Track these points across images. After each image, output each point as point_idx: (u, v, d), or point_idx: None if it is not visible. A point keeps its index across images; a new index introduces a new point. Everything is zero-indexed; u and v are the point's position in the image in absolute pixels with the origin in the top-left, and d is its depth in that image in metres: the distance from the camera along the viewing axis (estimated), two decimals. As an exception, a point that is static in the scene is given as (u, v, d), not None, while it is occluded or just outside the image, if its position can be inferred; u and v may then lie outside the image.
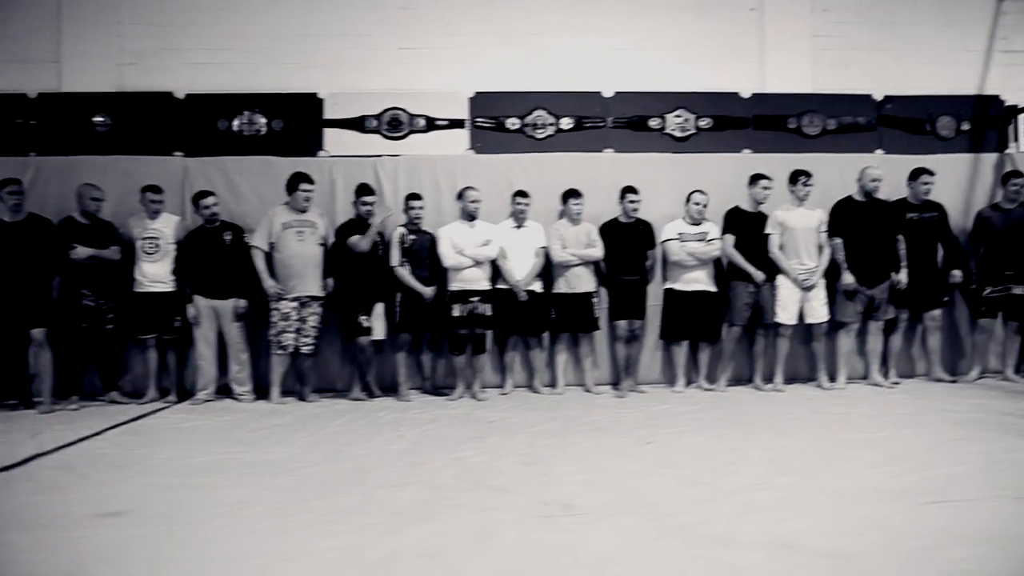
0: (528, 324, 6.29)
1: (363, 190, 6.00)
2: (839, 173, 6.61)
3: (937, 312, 6.51)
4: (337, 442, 4.54)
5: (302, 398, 6.05)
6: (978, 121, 7.03)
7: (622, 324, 6.30)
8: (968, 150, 7.01)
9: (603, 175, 6.61)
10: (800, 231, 6.24)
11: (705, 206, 6.27)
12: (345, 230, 5.96)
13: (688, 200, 6.29)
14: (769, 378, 6.39)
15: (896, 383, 6.42)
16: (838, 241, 6.27)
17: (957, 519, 2.91)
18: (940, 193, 6.71)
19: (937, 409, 5.31)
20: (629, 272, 6.32)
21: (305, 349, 5.96)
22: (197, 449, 4.38)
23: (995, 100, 7.06)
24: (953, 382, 6.51)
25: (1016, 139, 7.08)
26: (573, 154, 6.67)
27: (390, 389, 6.23)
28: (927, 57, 7.00)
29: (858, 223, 6.27)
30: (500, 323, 6.23)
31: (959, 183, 6.91)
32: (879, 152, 6.91)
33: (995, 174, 6.90)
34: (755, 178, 6.30)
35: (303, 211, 5.91)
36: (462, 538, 2.80)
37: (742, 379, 6.55)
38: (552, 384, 6.45)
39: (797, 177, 6.28)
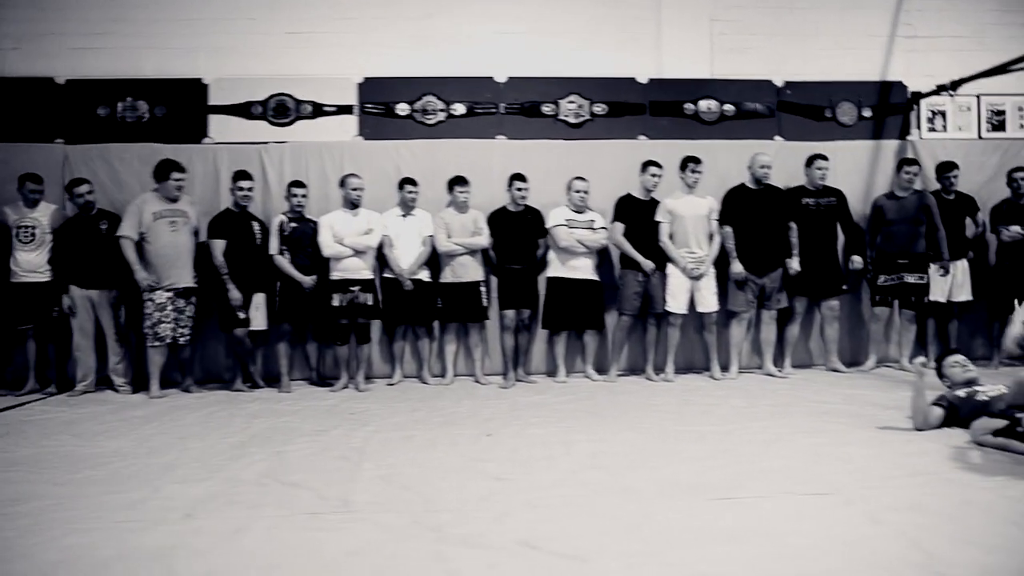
0: (415, 313, 6.20)
1: (239, 175, 5.89)
2: (737, 160, 6.49)
3: (835, 301, 6.44)
4: (178, 435, 4.45)
5: (186, 389, 5.95)
6: (880, 108, 6.93)
7: (509, 313, 6.21)
8: (870, 137, 6.91)
9: (495, 162, 6.51)
10: (689, 219, 6.16)
11: (586, 192, 6.17)
12: (216, 224, 5.83)
13: (569, 188, 6.18)
14: (662, 368, 6.30)
15: (787, 374, 6.34)
16: (728, 229, 6.19)
17: (725, 518, 2.83)
18: (841, 180, 6.66)
19: (809, 400, 5.25)
20: (518, 261, 6.23)
21: (183, 340, 5.85)
22: (28, 442, 4.29)
23: (898, 86, 6.95)
24: (850, 372, 6.44)
25: (918, 126, 6.98)
26: (464, 140, 6.56)
27: (276, 379, 6.13)
28: (828, 42, 6.89)
29: (749, 211, 6.19)
30: (385, 312, 6.16)
31: (859, 170, 6.82)
32: (778, 138, 6.82)
33: (896, 161, 6.79)
34: (645, 165, 6.21)
35: (174, 200, 5.78)
36: (209, 536, 2.71)
37: (637, 369, 6.47)
38: (443, 374, 6.36)
39: (686, 164, 6.19)
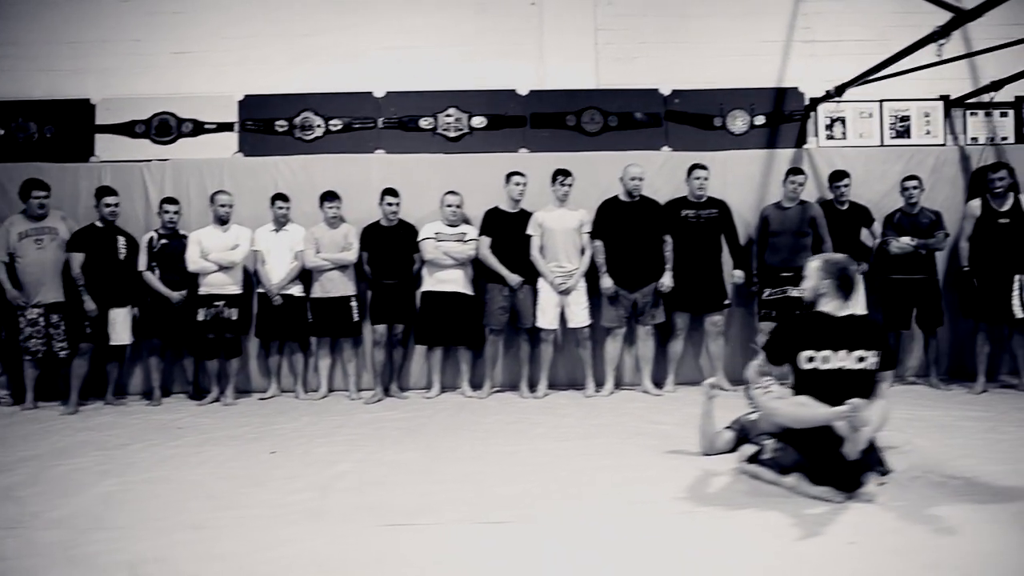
0: (287, 328, 6.23)
1: (103, 192, 6.01)
2: (621, 171, 6.31)
3: (718, 316, 6.22)
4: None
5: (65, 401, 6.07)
6: (774, 115, 6.68)
7: (379, 328, 6.18)
8: (764, 146, 6.66)
9: (373, 176, 6.49)
10: (559, 232, 6.04)
11: (458, 207, 6.12)
12: (76, 239, 5.94)
13: (441, 202, 6.14)
14: (536, 384, 6.19)
15: (666, 392, 6.15)
16: (598, 243, 6.04)
17: (358, 545, 2.77)
18: (732, 191, 6.46)
19: (643, 420, 5.09)
20: (391, 276, 6.20)
21: (62, 354, 5.98)
22: None
23: (793, 92, 6.69)
24: (734, 390, 6.18)
25: (816, 134, 6.70)
26: (342, 156, 6.57)
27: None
28: (721, 49, 6.67)
29: (622, 224, 6.04)
30: (254, 327, 6.24)
31: (751, 181, 6.58)
32: (666, 149, 6.63)
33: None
34: (509, 175, 6.12)
35: (40, 218, 5.93)
36: None
37: (517, 385, 6.32)
38: (317, 389, 6.37)
39: (556, 177, 6.08)
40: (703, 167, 6.13)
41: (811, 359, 3.27)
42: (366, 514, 3.12)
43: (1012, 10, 6.14)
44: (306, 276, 6.26)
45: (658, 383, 6.24)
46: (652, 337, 6.16)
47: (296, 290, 6.24)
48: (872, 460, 3.27)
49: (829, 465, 3.16)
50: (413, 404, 5.95)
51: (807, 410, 3.18)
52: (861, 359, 3.25)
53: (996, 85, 6.23)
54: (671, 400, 5.89)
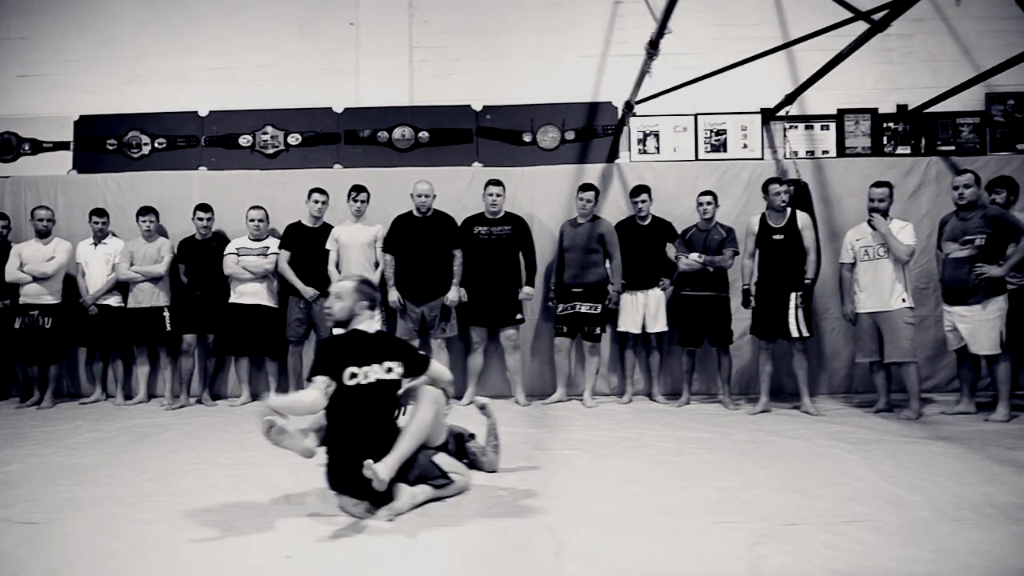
0: (105, 337, 6.52)
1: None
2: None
3: (512, 331, 6.22)
4: None
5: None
6: (586, 130, 6.66)
7: (187, 337, 6.41)
8: (576, 160, 6.64)
9: (194, 192, 6.75)
10: (353, 247, 6.17)
11: (262, 221, 6.32)
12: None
13: (246, 217, 6.34)
14: (337, 395, 6.30)
15: (466, 404, 6.16)
16: (388, 257, 6.15)
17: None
18: (540, 206, 6.49)
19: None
20: (202, 287, 6.44)
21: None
22: None
23: (607, 107, 6.65)
24: (531, 404, 6.20)
25: (629, 148, 6.64)
26: (166, 172, 6.86)
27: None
28: (534, 65, 6.70)
29: (412, 239, 6.13)
30: (84, 336, 6.56)
31: (559, 196, 6.56)
32: (477, 164, 6.68)
33: (604, 185, 6.51)
34: (310, 192, 6.29)
35: None
36: None
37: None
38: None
39: (350, 193, 6.21)
40: (497, 183, 6.15)
41: (354, 375, 3.31)
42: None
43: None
44: (125, 288, 6.53)
45: (458, 396, 6.25)
46: (444, 350, 6.20)
47: (113, 300, 6.54)
48: (410, 474, 3.29)
49: (353, 478, 3.18)
50: (207, 412, 6.14)
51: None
52: (389, 369, 3.33)
53: (790, 98, 6.07)
54: (462, 414, 5.88)
